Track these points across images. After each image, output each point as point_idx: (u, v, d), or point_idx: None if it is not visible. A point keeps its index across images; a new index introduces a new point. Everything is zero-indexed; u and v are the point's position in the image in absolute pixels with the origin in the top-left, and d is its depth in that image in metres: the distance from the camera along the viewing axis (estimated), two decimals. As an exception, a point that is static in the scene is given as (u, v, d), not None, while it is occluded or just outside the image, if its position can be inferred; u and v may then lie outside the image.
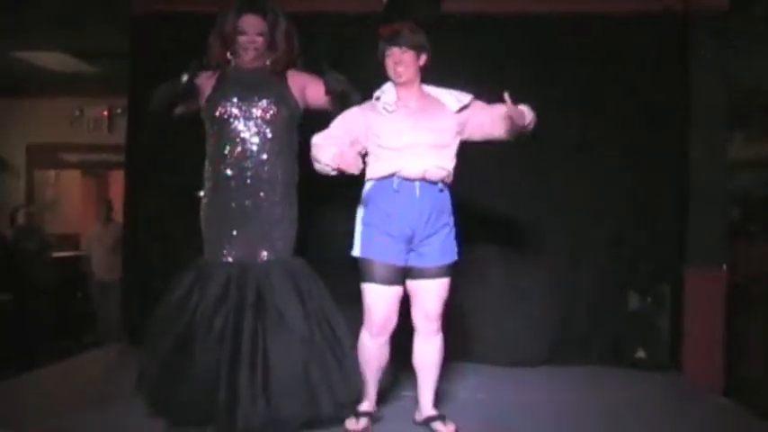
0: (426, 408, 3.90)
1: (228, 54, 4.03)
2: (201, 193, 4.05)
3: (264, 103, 3.95)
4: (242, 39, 3.97)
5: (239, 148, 3.92)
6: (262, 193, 3.95)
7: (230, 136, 3.93)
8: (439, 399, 4.02)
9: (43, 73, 9.46)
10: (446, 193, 3.88)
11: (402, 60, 3.83)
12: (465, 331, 5.19)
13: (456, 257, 3.88)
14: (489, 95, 5.41)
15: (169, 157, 5.66)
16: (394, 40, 3.83)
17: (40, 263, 8.72)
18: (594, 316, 5.62)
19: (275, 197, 3.97)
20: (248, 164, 3.92)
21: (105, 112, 10.44)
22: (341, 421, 3.82)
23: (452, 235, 3.89)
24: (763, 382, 6.11)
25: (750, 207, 8.34)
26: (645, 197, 5.63)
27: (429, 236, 3.80)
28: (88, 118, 10.56)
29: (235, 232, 3.93)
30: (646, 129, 5.62)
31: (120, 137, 6.58)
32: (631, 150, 5.63)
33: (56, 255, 9.32)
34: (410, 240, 3.79)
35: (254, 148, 3.93)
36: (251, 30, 3.96)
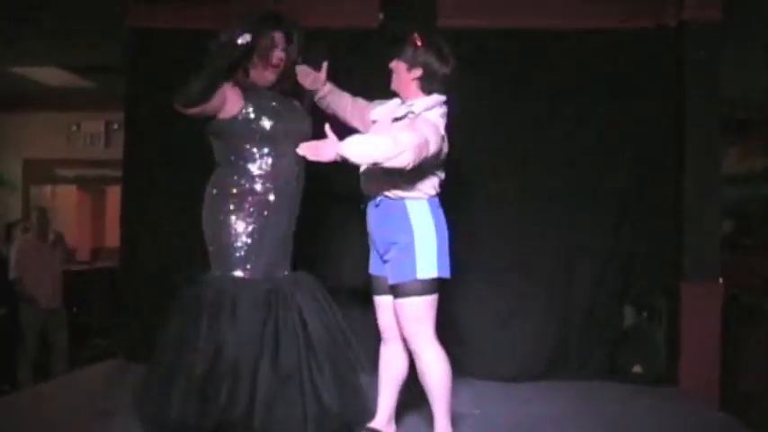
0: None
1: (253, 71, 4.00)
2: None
3: (299, 121, 4.02)
4: (274, 54, 3.96)
5: (278, 166, 3.93)
6: (290, 210, 4.01)
7: (274, 153, 3.92)
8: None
9: (40, 88, 9.50)
10: (385, 207, 3.76)
11: (393, 68, 3.82)
12: (460, 346, 5.18)
13: (408, 279, 3.67)
14: (486, 110, 5.50)
15: (167, 171, 5.65)
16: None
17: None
18: (590, 331, 5.61)
19: (296, 213, 4.06)
20: (283, 181, 3.94)
21: (102, 127, 10.47)
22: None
23: (407, 254, 3.68)
24: (759, 395, 6.11)
25: (745, 220, 8.36)
26: (640, 211, 5.64)
27: (386, 252, 3.79)
28: (85, 133, 10.59)
29: (269, 248, 3.95)
30: (640, 143, 5.63)
31: (116, 152, 6.57)
32: (626, 164, 5.64)
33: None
34: (381, 254, 3.83)
35: (291, 166, 3.95)
36: (281, 45, 3.96)
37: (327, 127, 3.56)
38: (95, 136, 10.59)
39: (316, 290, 4.00)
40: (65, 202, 11.95)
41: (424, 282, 3.66)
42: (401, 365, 3.91)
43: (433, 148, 3.55)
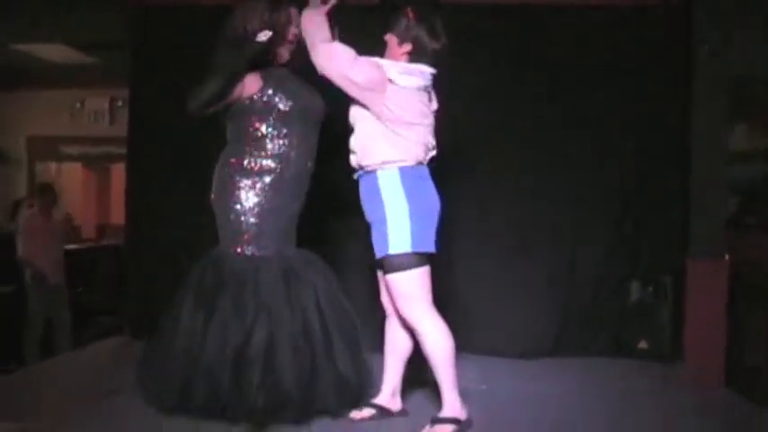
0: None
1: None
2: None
3: (314, 101, 4.04)
4: (293, 31, 3.98)
5: (293, 145, 3.96)
6: (301, 188, 4.05)
7: (289, 132, 3.95)
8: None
9: (44, 65, 9.48)
10: (364, 181, 3.79)
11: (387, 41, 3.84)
12: (465, 323, 5.18)
13: (383, 254, 3.68)
14: (487, 85, 5.47)
15: (171, 149, 5.65)
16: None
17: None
18: (596, 307, 5.62)
19: (305, 191, 4.10)
20: (297, 160, 3.97)
21: (106, 104, 10.45)
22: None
23: (381, 228, 3.67)
24: (764, 371, 6.11)
25: (751, 197, 8.32)
26: (646, 187, 5.63)
27: (371, 228, 3.79)
28: (89, 110, 10.59)
29: (284, 227, 4.00)
30: (646, 120, 5.61)
31: (121, 129, 6.56)
32: (632, 141, 5.62)
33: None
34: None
35: (305, 145, 3.99)
36: (296, 21, 3.95)
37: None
38: (100, 113, 10.58)
39: (324, 267, 4.05)
40: (70, 179, 11.94)
41: (399, 256, 3.62)
42: (403, 340, 3.90)
43: (353, 74, 3.61)
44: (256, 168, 3.93)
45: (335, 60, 3.63)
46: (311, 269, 3.98)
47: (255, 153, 3.94)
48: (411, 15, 3.73)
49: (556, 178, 5.61)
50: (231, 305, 3.77)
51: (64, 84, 10.23)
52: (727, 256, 5.51)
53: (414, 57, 3.74)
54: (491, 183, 5.53)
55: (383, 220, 3.65)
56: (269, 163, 3.93)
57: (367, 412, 3.88)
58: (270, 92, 3.93)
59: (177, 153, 5.58)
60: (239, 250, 3.92)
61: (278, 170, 3.93)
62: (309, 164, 4.05)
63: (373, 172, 3.70)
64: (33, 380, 4.83)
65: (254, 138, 3.94)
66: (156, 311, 4.19)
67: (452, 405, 3.66)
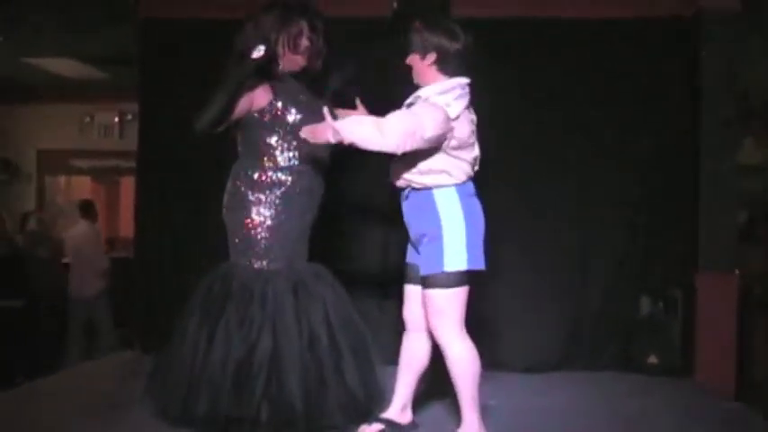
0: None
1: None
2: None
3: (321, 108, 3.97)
4: (302, 41, 3.98)
5: (304, 158, 3.99)
6: (313, 201, 4.06)
7: (299, 145, 3.94)
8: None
9: (54, 79, 9.53)
10: (414, 199, 3.74)
11: (410, 64, 3.78)
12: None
13: (436, 271, 3.64)
14: (499, 99, 5.48)
15: (180, 163, 5.66)
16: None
17: (51, 269, 8.73)
18: (606, 321, 5.60)
19: (318, 204, 4.11)
20: (308, 172, 4.00)
21: (116, 119, 10.49)
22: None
23: (436, 246, 3.63)
24: (774, 386, 6.10)
25: (760, 211, 8.31)
26: (656, 202, 5.62)
27: (418, 243, 3.76)
28: (98, 124, 10.63)
29: (295, 240, 4.01)
30: (656, 133, 5.61)
31: (130, 143, 6.58)
32: (642, 155, 5.62)
33: (67, 261, 9.34)
34: (416, 245, 3.81)
35: (318, 158, 4.01)
36: (306, 33, 3.98)
37: (325, 109, 3.54)
38: (109, 127, 10.62)
39: (333, 281, 4.05)
40: (79, 192, 11.96)
41: (450, 274, 3.61)
42: (421, 356, 3.88)
43: (430, 132, 3.49)
44: (267, 182, 3.94)
45: (406, 137, 3.46)
46: (321, 283, 3.99)
47: (266, 166, 3.95)
48: (421, 27, 3.71)
49: (565, 192, 5.60)
50: (237, 317, 3.77)
51: (73, 98, 10.27)
52: (736, 270, 5.51)
53: (440, 64, 3.67)
54: (499, 196, 5.50)
55: (438, 237, 3.62)
56: (279, 176, 3.94)
57: (376, 427, 3.85)
58: (279, 104, 3.94)
59: (186, 167, 5.60)
60: (249, 263, 3.93)
61: (288, 183, 3.95)
62: (321, 177, 4.06)
63: (428, 189, 3.67)
64: (39, 394, 4.82)
65: (265, 151, 3.95)
66: (165, 325, 4.20)
67: (471, 424, 3.68)
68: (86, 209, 8.55)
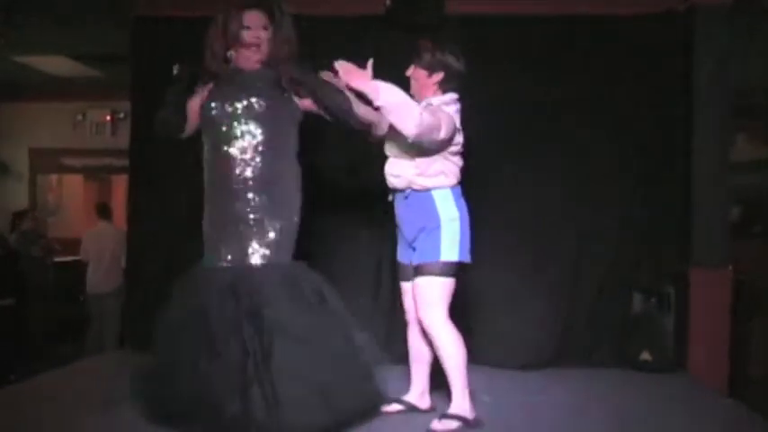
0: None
1: (228, 54, 4.01)
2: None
3: (256, 101, 3.95)
4: (246, 34, 3.95)
5: (223, 152, 3.94)
6: (240, 192, 3.93)
7: (217, 138, 3.95)
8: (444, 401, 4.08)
9: (45, 77, 9.50)
10: (414, 199, 3.99)
11: (411, 77, 4.05)
12: (469, 334, 5.16)
13: (431, 260, 3.92)
14: (495, 96, 5.48)
15: (173, 161, 5.63)
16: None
17: (44, 268, 8.74)
18: (599, 318, 5.60)
19: (257, 195, 3.95)
20: (229, 164, 3.92)
21: (108, 117, 10.47)
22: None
23: (433, 238, 3.93)
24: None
25: (753, 207, 8.33)
26: (648, 197, 5.62)
27: (414, 239, 4.03)
28: (91, 122, 10.60)
29: (226, 234, 3.95)
30: (649, 129, 5.62)
31: (122, 141, 6.57)
32: (635, 150, 5.63)
33: (59, 259, 9.36)
34: (410, 241, 4.06)
35: (241, 149, 3.92)
36: (255, 24, 3.95)
37: (370, 63, 3.82)
38: (101, 125, 10.59)
39: (317, 279, 3.96)
40: (71, 191, 11.95)
41: (445, 264, 3.91)
42: (425, 346, 4.12)
43: (442, 135, 3.82)
44: (206, 179, 4.03)
45: (425, 129, 3.75)
46: (303, 281, 3.89)
47: (204, 164, 4.05)
48: (432, 46, 3.98)
49: (557, 189, 5.61)
50: (212, 314, 3.74)
51: (65, 96, 10.25)
52: (730, 267, 5.51)
53: (444, 84, 3.99)
54: (491, 193, 5.52)
55: (437, 229, 3.92)
56: (207, 174, 4.02)
57: (395, 407, 4.15)
58: (211, 96, 3.99)
59: (179, 165, 5.57)
60: (201, 263, 3.99)
61: (209, 180, 4.00)
62: (250, 166, 3.92)
63: (428, 191, 3.96)
64: (33, 392, 4.81)
65: (202, 149, 4.06)
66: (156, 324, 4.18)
67: (461, 404, 3.91)
68: (103, 210, 8.95)
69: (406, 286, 4.17)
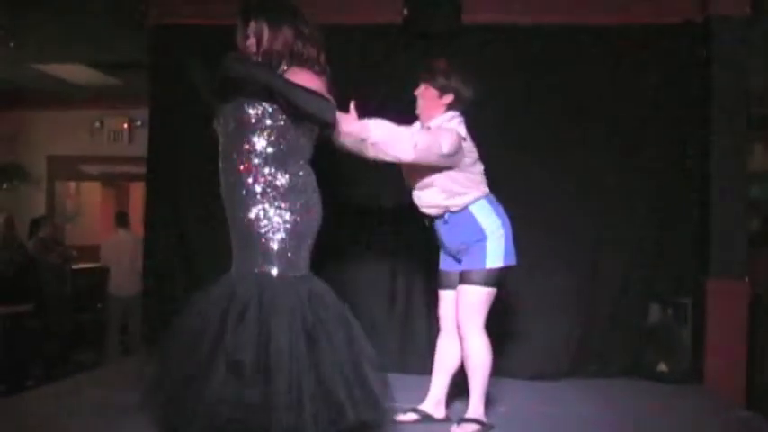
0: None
1: None
2: None
3: (261, 109, 3.68)
4: (241, 47, 3.81)
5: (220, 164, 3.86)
6: (233, 201, 3.78)
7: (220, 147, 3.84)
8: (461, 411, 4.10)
9: (64, 85, 9.55)
10: (454, 221, 4.06)
11: (420, 95, 4.08)
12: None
13: (477, 267, 4.00)
14: (509, 106, 5.48)
15: (190, 168, 5.66)
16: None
17: (61, 274, 8.79)
18: (615, 329, 5.59)
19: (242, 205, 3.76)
20: (223, 172, 3.77)
21: (125, 124, 10.51)
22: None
23: (479, 248, 4.00)
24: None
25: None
26: (666, 208, 5.61)
27: (459, 251, 4.10)
28: (108, 130, 10.64)
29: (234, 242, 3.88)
30: (667, 139, 5.60)
31: (139, 149, 6.59)
32: (652, 161, 5.60)
33: (76, 266, 9.41)
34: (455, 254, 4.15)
35: (225, 160, 3.78)
36: (241, 35, 3.79)
37: (353, 104, 3.70)
38: (119, 133, 10.63)
39: (327, 292, 3.87)
40: (89, 198, 12.01)
41: (490, 271, 4.00)
42: (453, 356, 4.18)
43: (446, 149, 3.84)
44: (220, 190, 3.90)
45: (421, 151, 3.79)
46: (314, 295, 3.79)
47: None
48: (448, 68, 4.03)
49: (574, 199, 5.59)
50: (226, 321, 3.70)
51: (83, 104, 10.31)
52: (746, 278, 5.49)
53: (452, 106, 4.03)
54: (507, 202, 5.50)
55: (482, 239, 4.00)
56: (220, 184, 3.84)
57: (410, 416, 4.17)
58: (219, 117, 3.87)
59: (196, 172, 5.58)
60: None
61: (221, 190, 3.81)
62: (234, 173, 3.72)
63: (466, 208, 4.02)
64: (50, 398, 4.82)
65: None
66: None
67: (478, 409, 4.02)
68: (121, 218, 9.32)
69: (443, 293, 4.22)
